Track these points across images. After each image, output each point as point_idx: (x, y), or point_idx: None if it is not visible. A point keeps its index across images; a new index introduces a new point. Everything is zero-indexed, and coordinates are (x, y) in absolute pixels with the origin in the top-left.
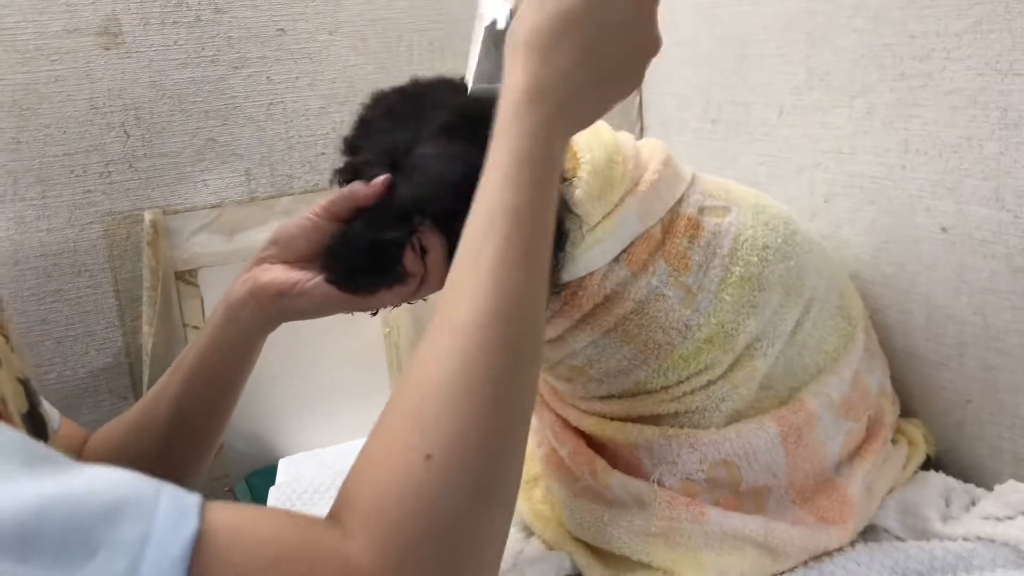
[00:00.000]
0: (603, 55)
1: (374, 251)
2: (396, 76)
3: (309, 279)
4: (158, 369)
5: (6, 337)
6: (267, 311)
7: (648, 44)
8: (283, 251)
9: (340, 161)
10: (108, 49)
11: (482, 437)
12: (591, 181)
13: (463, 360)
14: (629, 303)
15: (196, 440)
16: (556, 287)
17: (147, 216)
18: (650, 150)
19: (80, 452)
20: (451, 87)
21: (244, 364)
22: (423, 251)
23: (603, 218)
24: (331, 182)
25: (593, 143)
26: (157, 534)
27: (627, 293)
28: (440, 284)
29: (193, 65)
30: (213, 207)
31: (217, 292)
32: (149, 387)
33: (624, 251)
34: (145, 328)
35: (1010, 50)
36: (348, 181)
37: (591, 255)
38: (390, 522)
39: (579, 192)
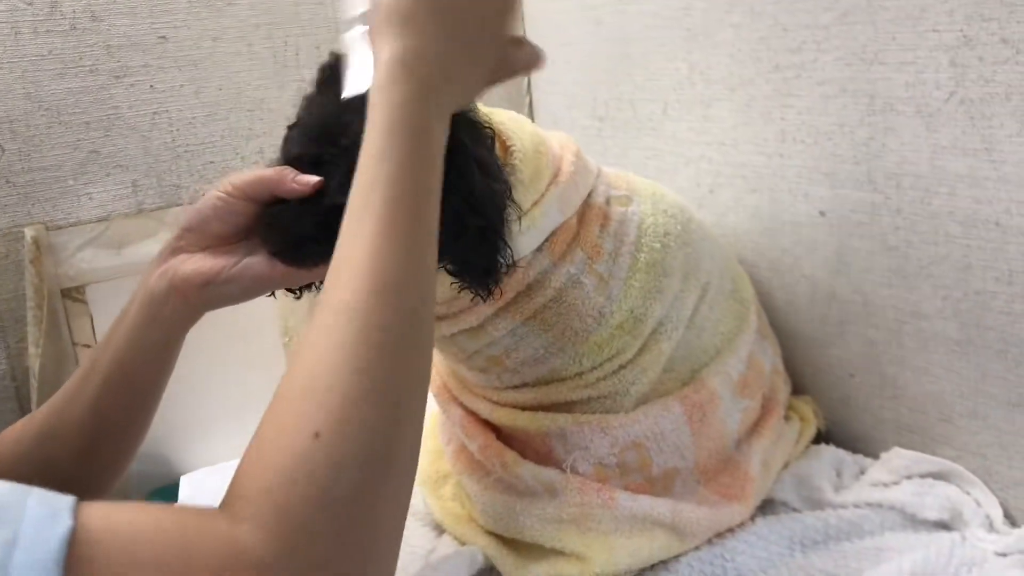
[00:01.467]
0: (463, 20)
1: (320, 219)
2: (284, 81)
3: (235, 263)
4: (47, 391)
5: None
6: (192, 303)
7: (508, 7)
8: (199, 237)
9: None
10: None
11: (371, 412)
12: (523, 169)
13: (348, 336)
14: (549, 291)
15: (118, 447)
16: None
17: (28, 233)
18: (561, 143)
19: None
20: None
21: (168, 363)
22: None
23: (532, 206)
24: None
25: (519, 132)
26: (25, 537)
27: (548, 282)
28: None
29: (71, 75)
30: (99, 221)
31: (107, 308)
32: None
33: (546, 240)
34: (31, 349)
35: (874, 40)
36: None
37: (520, 243)
38: (279, 503)
39: (513, 179)
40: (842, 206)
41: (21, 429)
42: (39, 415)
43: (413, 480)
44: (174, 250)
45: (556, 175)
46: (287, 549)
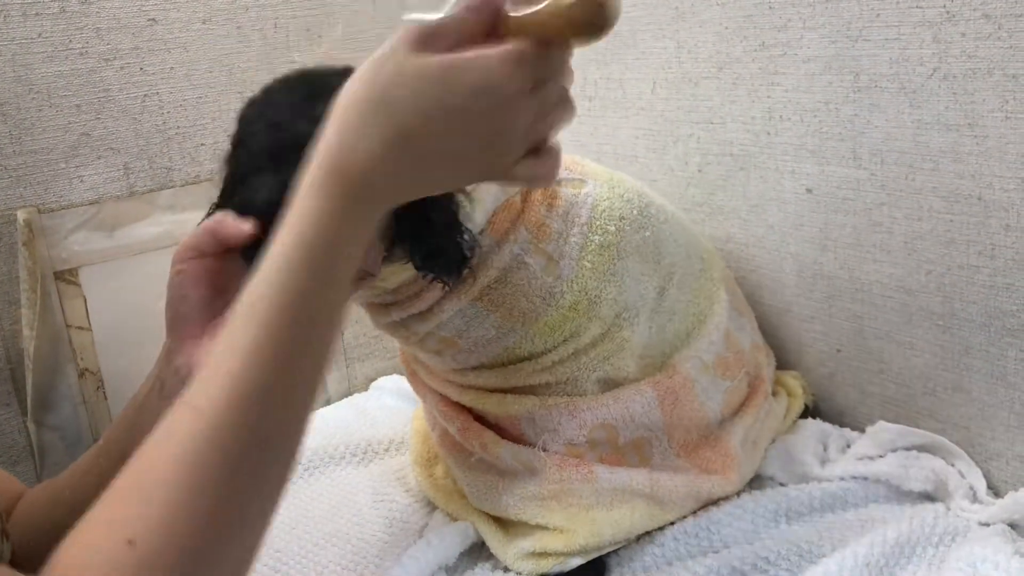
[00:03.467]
0: (423, 135)
1: None
2: (274, 63)
3: None
4: (42, 373)
5: None
6: None
7: (497, 139)
8: (188, 318)
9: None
10: None
11: (194, 531)
12: None
13: (190, 444)
14: (493, 271)
15: None
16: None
17: (20, 215)
18: None
19: (13, 507)
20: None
21: None
22: None
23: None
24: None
25: None
26: None
27: (491, 261)
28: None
29: (61, 58)
30: (91, 203)
31: (99, 290)
32: (34, 391)
33: (488, 221)
34: (26, 332)
35: (858, 17)
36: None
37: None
38: None
39: None
40: (828, 183)
41: (38, 492)
42: (57, 482)
43: None
44: (171, 351)
45: None
46: None
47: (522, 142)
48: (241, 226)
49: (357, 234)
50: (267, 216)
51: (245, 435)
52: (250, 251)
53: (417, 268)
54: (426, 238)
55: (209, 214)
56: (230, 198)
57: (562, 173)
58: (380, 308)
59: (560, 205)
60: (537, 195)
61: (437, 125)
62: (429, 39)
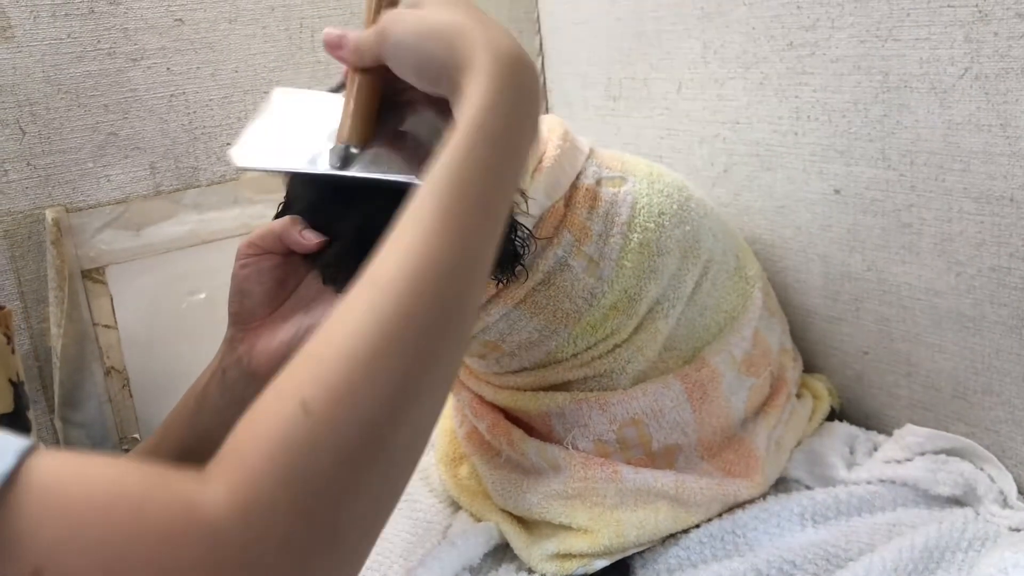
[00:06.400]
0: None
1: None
2: (299, 64)
3: (295, 331)
4: (69, 370)
5: (8, 337)
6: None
7: None
8: (250, 312)
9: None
10: None
11: (372, 400)
12: None
13: (372, 315)
14: (538, 275)
15: None
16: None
17: (49, 214)
18: (548, 127)
19: None
20: None
21: None
22: None
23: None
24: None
25: None
26: None
27: (536, 265)
28: None
29: (89, 58)
30: (118, 203)
31: (126, 289)
32: (61, 388)
33: (534, 225)
34: (54, 330)
35: (888, 17)
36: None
37: None
38: (249, 468)
39: None
40: (856, 183)
41: None
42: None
43: (404, 480)
44: (234, 341)
45: (540, 161)
46: (245, 518)
47: None
48: (309, 237)
49: (521, 112)
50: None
51: (422, 305)
52: (315, 256)
53: None
54: None
55: (279, 213)
56: (296, 199)
57: (602, 171)
58: None
59: (601, 206)
60: (579, 197)
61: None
62: None
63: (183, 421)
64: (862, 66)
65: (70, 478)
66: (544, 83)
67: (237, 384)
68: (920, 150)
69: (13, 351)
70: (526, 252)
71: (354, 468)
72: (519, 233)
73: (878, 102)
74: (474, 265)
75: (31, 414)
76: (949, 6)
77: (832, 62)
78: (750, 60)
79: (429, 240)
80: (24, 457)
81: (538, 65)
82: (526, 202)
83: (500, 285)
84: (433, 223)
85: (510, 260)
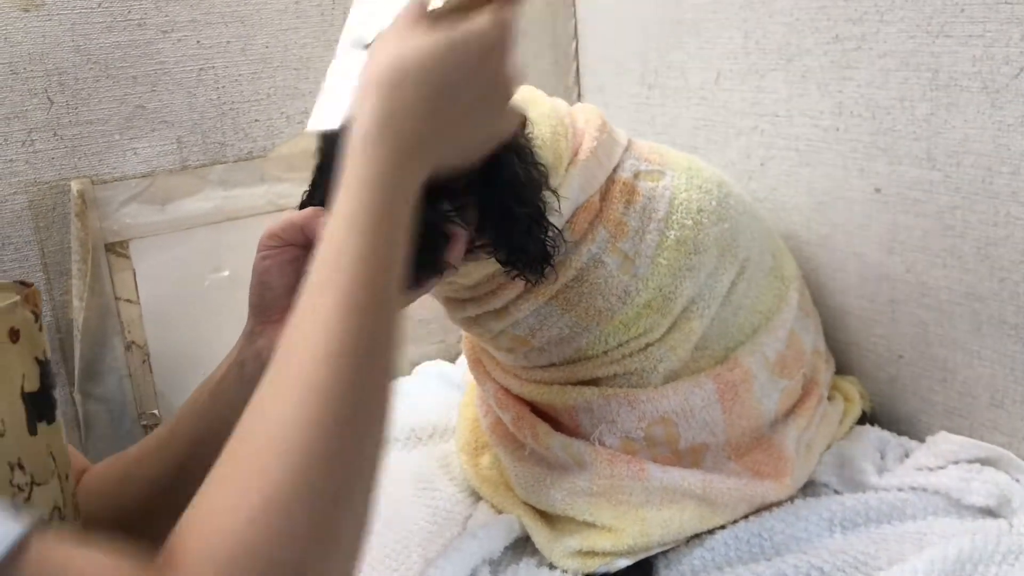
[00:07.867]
0: (454, 96)
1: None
2: (330, 41)
3: None
4: (89, 344)
5: (36, 315)
6: None
7: (500, 87)
8: (271, 304)
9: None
10: (27, 11)
11: (320, 483)
12: (543, 156)
13: (299, 404)
14: (571, 271)
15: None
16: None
17: (74, 186)
18: (585, 117)
19: (77, 482)
20: None
21: None
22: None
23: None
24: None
25: (536, 117)
26: None
27: (569, 262)
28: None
29: (119, 29)
30: (144, 176)
31: (149, 264)
32: (81, 362)
33: (567, 220)
34: (75, 303)
35: (940, 12)
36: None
37: None
38: (218, 568)
39: None
40: (898, 183)
41: (107, 468)
42: (126, 457)
43: (360, 555)
44: (253, 333)
45: (575, 154)
46: None
47: (512, 86)
48: None
49: (412, 190)
50: None
51: (342, 388)
52: None
53: (501, 263)
54: (511, 233)
55: (303, 204)
56: (319, 189)
57: (640, 165)
58: (457, 303)
59: (638, 201)
60: (616, 192)
61: (459, 76)
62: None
63: (197, 412)
64: (910, 62)
65: (47, 571)
66: (576, 69)
67: (255, 378)
68: (968, 151)
69: (41, 328)
70: (556, 253)
71: (319, 554)
72: (549, 233)
73: (925, 100)
74: (380, 334)
75: (57, 392)
76: (1007, 2)
77: (879, 57)
78: (793, 52)
79: (337, 326)
80: (20, 544)
81: (571, 50)
82: (558, 201)
83: (529, 285)
84: (334, 310)
85: (539, 261)
